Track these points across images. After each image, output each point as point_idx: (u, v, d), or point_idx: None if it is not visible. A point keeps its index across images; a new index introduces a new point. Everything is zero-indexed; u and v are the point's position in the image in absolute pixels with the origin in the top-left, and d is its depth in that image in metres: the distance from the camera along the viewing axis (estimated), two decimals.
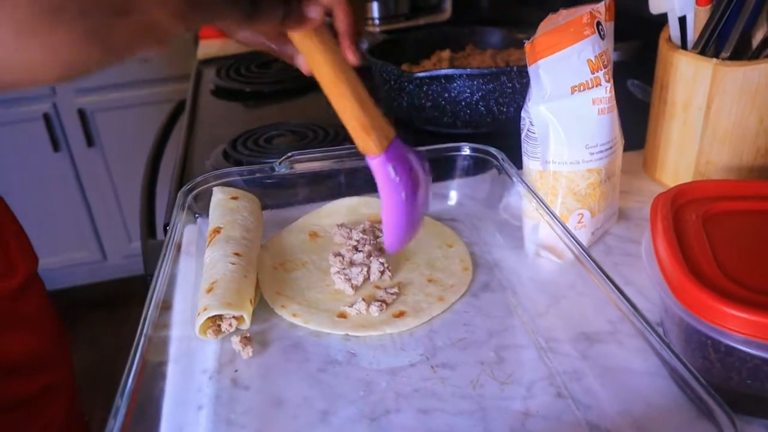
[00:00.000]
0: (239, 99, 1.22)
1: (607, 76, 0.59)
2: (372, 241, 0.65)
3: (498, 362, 0.52)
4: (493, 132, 0.91)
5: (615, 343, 0.52)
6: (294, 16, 0.41)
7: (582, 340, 0.53)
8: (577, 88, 0.59)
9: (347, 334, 0.56)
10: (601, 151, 0.61)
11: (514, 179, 0.66)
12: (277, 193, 0.73)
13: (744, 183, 0.57)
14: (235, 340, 0.54)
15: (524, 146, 0.64)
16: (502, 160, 0.69)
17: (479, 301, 0.59)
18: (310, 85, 1.24)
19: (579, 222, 0.64)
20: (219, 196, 0.68)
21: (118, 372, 0.43)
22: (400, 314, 0.57)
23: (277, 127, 0.99)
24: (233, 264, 0.58)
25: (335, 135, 0.94)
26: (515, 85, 0.85)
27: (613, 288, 0.49)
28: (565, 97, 0.59)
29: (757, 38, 0.67)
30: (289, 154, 0.70)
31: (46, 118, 2.13)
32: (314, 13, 0.42)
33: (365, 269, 0.61)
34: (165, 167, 1.11)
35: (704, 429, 0.38)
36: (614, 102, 0.61)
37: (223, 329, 0.55)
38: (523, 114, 0.63)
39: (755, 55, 0.66)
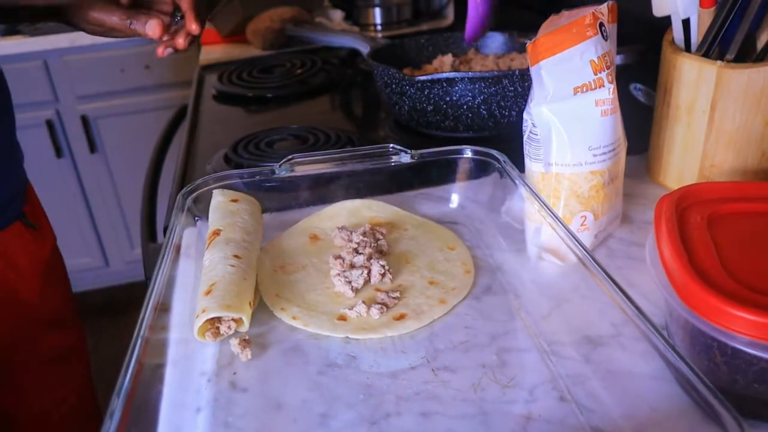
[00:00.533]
0: (241, 104, 1.22)
1: (610, 77, 0.59)
2: (372, 244, 0.65)
3: (500, 365, 0.51)
4: (495, 136, 0.90)
5: (618, 347, 0.52)
6: None
7: (585, 344, 0.53)
8: (579, 89, 0.58)
9: (347, 337, 0.55)
10: (604, 153, 0.61)
11: (517, 182, 0.65)
12: (277, 196, 0.73)
13: (749, 184, 0.56)
14: (234, 342, 0.54)
15: (526, 148, 0.64)
16: (504, 162, 0.68)
17: (481, 303, 0.59)
18: (311, 90, 1.24)
19: (582, 224, 0.63)
20: (219, 198, 0.68)
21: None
22: (401, 317, 0.56)
23: (279, 131, 0.99)
24: (233, 266, 0.58)
25: (336, 139, 0.94)
26: (517, 89, 0.85)
27: (617, 291, 0.48)
28: (568, 98, 0.58)
29: (762, 40, 0.66)
30: (290, 156, 0.70)
31: (49, 124, 2.14)
32: None
33: (366, 272, 0.61)
34: (167, 172, 1.11)
35: None
36: (617, 103, 0.61)
37: (222, 331, 0.55)
38: (525, 115, 0.62)
39: (760, 58, 0.66)
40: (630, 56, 0.91)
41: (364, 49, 1.11)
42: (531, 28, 0.63)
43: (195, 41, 0.77)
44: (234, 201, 0.67)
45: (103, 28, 0.76)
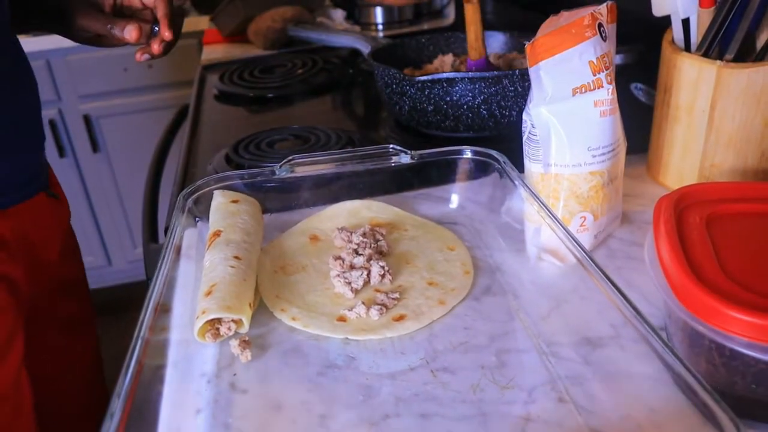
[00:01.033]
0: (242, 104, 1.22)
1: (609, 77, 0.59)
2: (372, 245, 0.65)
3: (499, 366, 0.51)
4: (496, 136, 0.91)
5: (618, 348, 0.52)
6: None
7: (584, 345, 0.53)
8: (578, 90, 0.58)
9: (347, 338, 0.55)
10: (604, 154, 0.61)
11: (516, 182, 0.65)
12: (278, 196, 0.73)
13: (748, 185, 0.56)
14: (234, 343, 0.54)
15: (526, 149, 0.64)
16: (504, 163, 0.68)
17: (480, 304, 0.59)
18: (312, 90, 1.24)
19: (581, 225, 0.63)
20: (219, 199, 0.68)
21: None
22: (401, 318, 0.57)
23: (279, 132, 0.99)
24: (233, 267, 0.58)
25: (337, 138, 0.94)
26: (517, 89, 0.85)
27: (616, 292, 0.48)
28: (567, 99, 0.58)
29: (761, 40, 0.66)
30: (290, 157, 0.70)
31: (52, 124, 2.14)
32: None
33: (365, 273, 0.61)
34: (168, 172, 1.11)
35: None
36: (616, 104, 0.61)
37: (222, 333, 0.55)
38: (524, 116, 0.62)
39: (759, 57, 0.66)
40: (630, 56, 0.91)
41: (365, 48, 1.11)
42: (531, 28, 0.63)
43: (170, 48, 0.85)
44: (234, 202, 0.67)
45: (89, 35, 0.84)
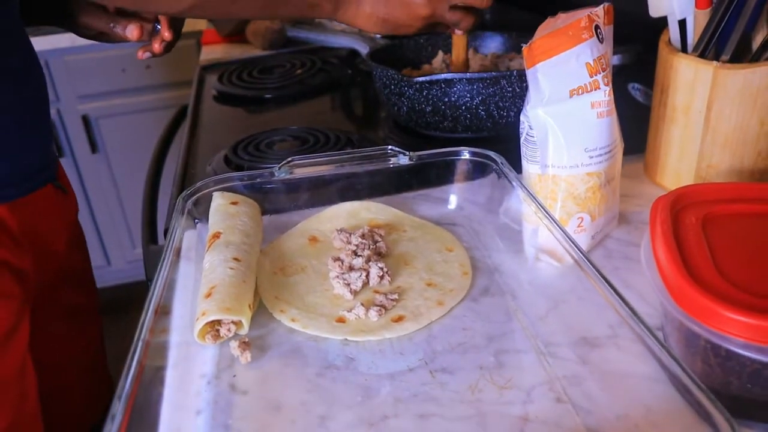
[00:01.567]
0: (241, 104, 1.23)
1: (605, 79, 0.59)
2: (371, 246, 0.65)
3: (497, 367, 0.52)
4: (494, 136, 0.91)
5: (615, 348, 0.52)
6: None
7: (582, 345, 0.53)
8: (575, 92, 0.58)
9: (346, 339, 0.55)
10: (601, 155, 0.61)
11: (514, 183, 0.66)
12: (277, 198, 0.73)
13: (744, 185, 0.57)
14: (234, 345, 0.54)
15: (523, 150, 0.64)
16: (502, 164, 0.69)
17: (479, 305, 0.59)
18: (310, 90, 1.25)
19: (579, 226, 0.63)
20: (219, 201, 0.68)
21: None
22: (399, 319, 0.57)
23: (278, 132, 1.00)
24: (232, 269, 0.58)
25: (336, 139, 0.94)
26: (515, 89, 0.85)
27: (613, 292, 0.48)
28: (564, 100, 0.59)
29: (757, 41, 0.66)
30: (289, 159, 0.70)
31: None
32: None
33: (364, 274, 0.61)
34: (168, 172, 1.11)
35: None
36: (613, 105, 0.61)
37: (221, 334, 0.55)
38: (522, 118, 0.63)
39: (755, 58, 0.66)
40: (627, 57, 0.91)
41: (363, 49, 1.11)
42: (529, 28, 0.63)
43: (171, 47, 0.87)
44: (234, 204, 0.68)
45: (92, 32, 0.86)
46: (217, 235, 0.63)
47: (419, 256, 0.66)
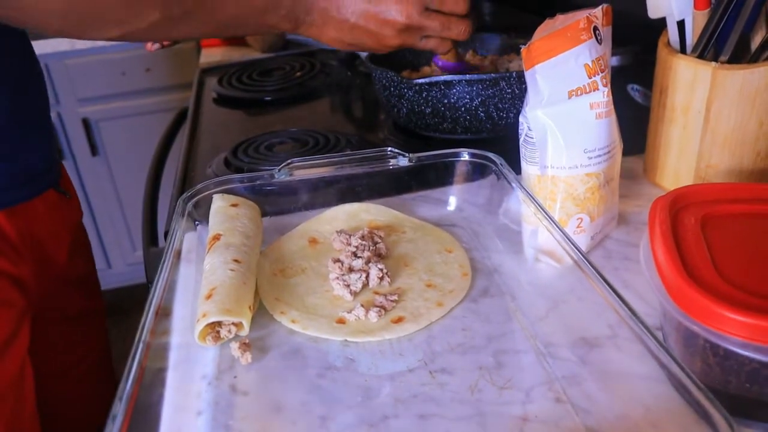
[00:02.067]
0: (241, 107, 1.23)
1: (604, 80, 0.59)
2: (371, 247, 0.65)
3: (497, 367, 0.52)
4: (493, 137, 0.91)
5: (614, 348, 0.52)
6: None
7: (581, 345, 0.53)
8: (574, 93, 0.59)
9: (346, 340, 0.56)
10: (600, 156, 0.61)
11: (513, 185, 0.66)
12: (277, 199, 0.74)
13: (742, 186, 0.57)
14: (234, 346, 0.54)
15: (522, 151, 0.64)
16: (501, 165, 0.69)
17: (478, 306, 0.59)
18: (310, 93, 1.25)
19: (578, 226, 0.63)
20: (219, 203, 0.68)
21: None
22: (399, 320, 0.57)
23: (278, 135, 1.00)
24: (233, 270, 0.58)
25: (335, 141, 0.95)
26: (515, 91, 0.86)
27: (612, 293, 0.48)
28: (563, 101, 0.59)
29: (756, 41, 0.67)
30: (289, 161, 0.71)
31: None
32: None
33: (364, 275, 0.61)
34: (168, 175, 1.11)
35: None
36: (612, 106, 0.61)
37: (222, 335, 0.55)
38: (521, 119, 0.63)
39: (754, 59, 0.66)
40: (626, 57, 0.91)
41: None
42: (528, 30, 0.63)
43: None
44: (234, 205, 0.68)
45: None
46: (217, 237, 0.63)
47: (419, 258, 0.66)
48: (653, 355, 0.44)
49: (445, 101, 0.88)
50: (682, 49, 0.71)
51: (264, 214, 0.72)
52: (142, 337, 0.48)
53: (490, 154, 0.71)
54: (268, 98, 1.24)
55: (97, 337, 1.04)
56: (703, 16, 0.68)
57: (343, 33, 0.75)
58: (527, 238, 0.65)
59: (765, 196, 0.54)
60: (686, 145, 0.71)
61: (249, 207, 0.69)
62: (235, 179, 0.71)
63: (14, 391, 0.77)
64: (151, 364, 0.48)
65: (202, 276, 0.60)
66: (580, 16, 0.58)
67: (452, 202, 0.75)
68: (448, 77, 0.85)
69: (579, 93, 0.59)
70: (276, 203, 0.74)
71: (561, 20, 0.60)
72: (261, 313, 0.60)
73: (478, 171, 0.72)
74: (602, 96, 0.59)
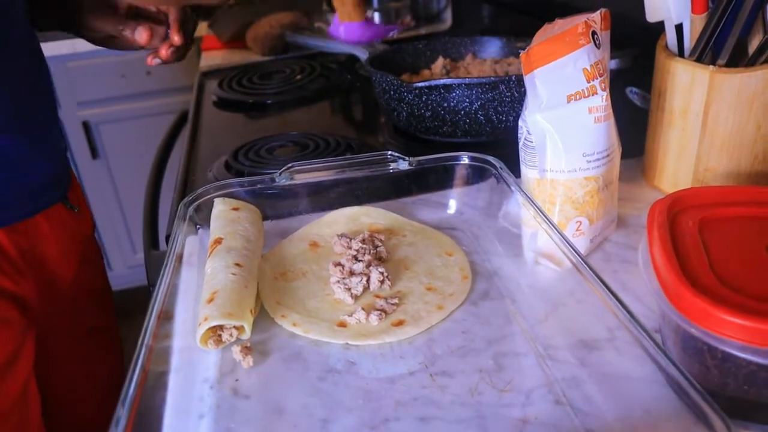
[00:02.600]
0: (241, 110, 1.23)
1: (603, 84, 0.60)
2: (371, 251, 0.65)
3: (497, 370, 0.52)
4: (493, 141, 0.91)
5: (613, 350, 0.52)
6: None
7: (581, 348, 0.53)
8: (573, 97, 0.59)
9: (347, 343, 0.56)
10: (599, 159, 0.62)
11: (513, 188, 0.66)
12: (277, 203, 0.74)
13: (740, 189, 0.57)
14: (236, 349, 0.54)
15: (522, 155, 0.65)
16: (500, 168, 0.69)
17: (478, 309, 0.60)
18: (310, 96, 1.25)
19: (577, 230, 0.64)
20: (220, 207, 0.69)
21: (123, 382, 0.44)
22: (400, 323, 0.57)
23: (278, 138, 1.00)
24: (234, 274, 0.59)
25: (336, 145, 0.95)
26: (514, 94, 0.86)
27: (611, 295, 0.49)
28: (562, 105, 0.59)
29: (753, 45, 0.67)
30: (289, 165, 0.71)
31: None
32: None
33: (365, 279, 0.62)
34: (168, 178, 1.12)
35: None
36: (611, 110, 0.61)
37: (224, 339, 0.56)
38: (520, 123, 0.63)
39: (751, 62, 0.67)
40: (625, 61, 0.92)
41: (363, 55, 1.12)
42: (528, 33, 0.64)
43: (181, 53, 0.83)
44: (235, 209, 0.68)
45: (101, 35, 0.82)
46: (218, 241, 0.63)
47: (419, 261, 0.66)
48: (652, 358, 0.44)
49: (445, 105, 0.88)
50: (680, 53, 0.71)
51: (265, 217, 0.72)
52: (145, 341, 0.48)
53: (490, 158, 0.71)
54: (269, 101, 1.24)
55: (109, 354, 1.00)
56: (700, 19, 0.68)
57: None
58: (527, 242, 0.65)
59: (763, 199, 0.55)
60: (684, 148, 0.71)
61: (250, 211, 0.69)
62: (235, 183, 0.71)
63: (18, 409, 0.75)
64: (154, 368, 0.48)
65: (204, 280, 0.60)
66: (578, 21, 0.58)
67: (452, 206, 0.76)
68: (448, 81, 0.86)
69: (578, 97, 0.59)
70: (277, 207, 0.74)
71: (560, 25, 0.60)
72: (262, 316, 0.60)
73: (477, 174, 0.73)
74: (601, 100, 0.60)
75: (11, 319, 0.75)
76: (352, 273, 0.63)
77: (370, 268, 0.63)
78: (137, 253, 2.44)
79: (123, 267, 2.48)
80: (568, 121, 0.60)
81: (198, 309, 0.57)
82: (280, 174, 0.71)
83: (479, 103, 0.87)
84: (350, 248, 0.66)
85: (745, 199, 0.55)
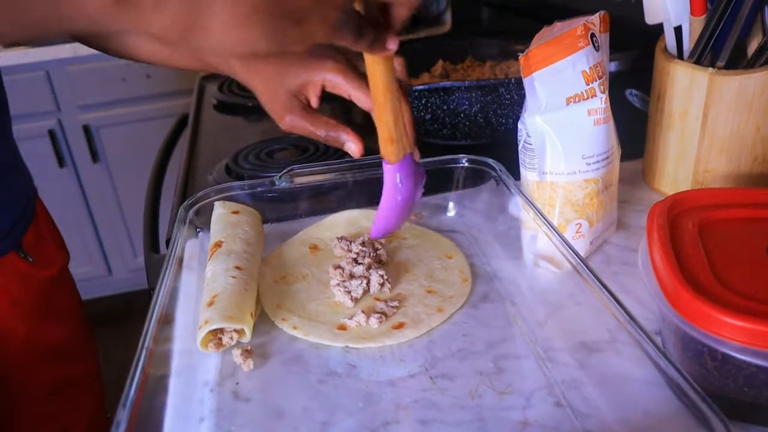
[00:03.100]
0: (241, 113, 1.23)
1: (602, 87, 0.60)
2: (372, 254, 0.66)
3: (497, 372, 0.52)
4: (493, 143, 0.91)
5: (613, 352, 0.52)
6: (379, 43, 0.48)
7: (580, 350, 0.53)
8: (572, 100, 0.59)
9: (347, 346, 0.56)
10: (598, 162, 0.62)
11: (512, 190, 0.66)
12: (278, 206, 0.74)
13: (739, 191, 0.58)
14: (236, 352, 0.55)
15: (521, 157, 0.65)
16: (500, 171, 0.69)
17: (478, 311, 0.60)
18: None
19: (577, 232, 0.64)
20: (220, 210, 0.69)
21: (124, 386, 0.44)
22: (400, 326, 0.57)
23: (279, 141, 1.00)
24: (234, 278, 0.59)
25: (335, 149, 0.95)
26: (513, 97, 0.86)
27: (611, 297, 0.49)
28: (561, 108, 0.59)
29: (752, 47, 0.67)
30: (289, 168, 0.71)
31: (52, 134, 2.15)
32: (393, 45, 0.49)
33: (365, 281, 0.62)
34: (169, 181, 1.12)
35: None
36: (610, 112, 0.62)
37: (224, 342, 0.56)
38: (519, 125, 0.63)
39: (750, 64, 0.67)
40: (624, 63, 0.92)
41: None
42: (527, 35, 0.64)
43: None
44: (235, 213, 0.68)
45: (102, 45, 0.70)
46: (218, 244, 0.64)
47: (419, 264, 0.66)
48: (652, 360, 0.44)
49: (445, 107, 0.88)
50: (680, 55, 0.72)
51: (265, 220, 0.72)
52: (145, 344, 0.48)
53: (490, 160, 0.71)
54: None
55: (86, 406, 0.90)
56: (699, 22, 0.68)
57: (238, 20, 0.38)
58: (526, 244, 0.65)
59: (762, 201, 0.55)
60: (684, 150, 0.71)
61: (250, 214, 0.69)
62: (235, 186, 0.72)
63: None
64: (154, 371, 0.48)
65: (204, 283, 0.60)
66: (577, 24, 0.58)
67: (452, 208, 0.76)
68: (448, 83, 0.86)
69: (577, 100, 0.59)
70: (277, 210, 0.74)
71: (559, 27, 0.61)
72: (262, 319, 0.60)
73: (477, 177, 0.73)
74: (600, 102, 0.60)
75: None
76: (352, 276, 0.63)
77: (370, 271, 0.63)
78: (138, 257, 2.45)
79: (124, 271, 2.48)
80: (567, 124, 0.60)
81: (198, 312, 0.57)
82: (280, 177, 0.71)
83: (479, 105, 0.87)
84: (350, 251, 0.66)
85: (745, 201, 0.55)
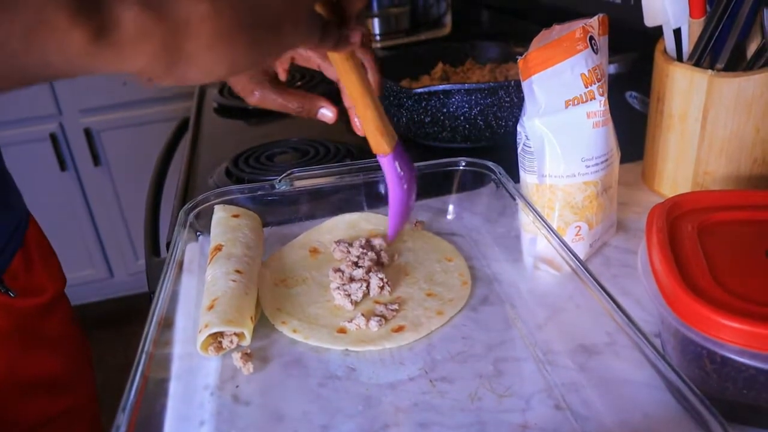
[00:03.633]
0: (241, 117, 1.24)
1: (601, 89, 0.60)
2: (372, 257, 0.66)
3: (496, 375, 0.52)
4: (493, 146, 0.92)
5: (613, 355, 0.52)
6: (343, 40, 0.46)
7: (580, 352, 0.54)
8: (571, 102, 0.59)
9: (347, 350, 0.56)
10: (597, 164, 0.62)
11: (512, 193, 0.66)
12: (278, 210, 0.74)
13: (739, 193, 0.58)
14: (236, 356, 0.55)
15: (520, 160, 0.65)
16: (500, 174, 0.69)
17: (478, 314, 0.60)
18: None
19: (576, 234, 0.64)
20: (220, 214, 0.69)
21: (124, 390, 0.44)
22: (399, 329, 0.57)
23: (279, 145, 1.00)
24: (234, 281, 0.59)
25: (336, 152, 0.95)
26: (513, 99, 0.86)
27: (610, 300, 0.49)
28: (560, 111, 0.59)
29: (751, 49, 0.67)
30: (289, 171, 0.71)
31: (53, 138, 2.16)
32: (356, 37, 0.47)
33: (365, 285, 0.62)
34: (169, 185, 1.12)
35: None
36: (609, 115, 0.62)
37: (224, 346, 0.56)
38: (518, 128, 0.63)
39: (749, 66, 0.67)
40: (624, 65, 0.92)
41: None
42: (527, 38, 0.64)
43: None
44: (235, 216, 0.68)
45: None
46: (218, 248, 0.64)
47: (419, 267, 0.67)
48: (651, 363, 0.44)
49: (444, 110, 0.88)
50: (679, 57, 0.72)
51: (265, 224, 0.72)
52: (145, 348, 0.48)
53: (489, 163, 0.72)
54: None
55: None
56: (698, 24, 0.68)
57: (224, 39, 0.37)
58: (526, 247, 0.65)
59: (762, 203, 0.55)
60: (684, 152, 0.72)
61: (250, 217, 0.70)
62: (235, 190, 0.72)
63: None
64: (154, 375, 0.48)
65: (204, 287, 0.60)
66: (576, 26, 0.58)
67: (452, 211, 0.76)
68: (447, 86, 0.86)
69: (576, 102, 0.59)
70: (277, 213, 0.74)
71: (557, 30, 0.61)
72: (262, 323, 0.60)
73: (477, 180, 0.73)
74: (599, 105, 0.60)
75: None
76: (351, 279, 0.63)
77: (370, 274, 0.63)
78: (139, 260, 2.45)
79: (125, 274, 2.48)
80: (566, 127, 0.60)
81: (198, 316, 0.57)
82: (280, 180, 0.71)
83: (478, 108, 0.87)
84: (350, 254, 0.67)
85: (745, 203, 0.55)
